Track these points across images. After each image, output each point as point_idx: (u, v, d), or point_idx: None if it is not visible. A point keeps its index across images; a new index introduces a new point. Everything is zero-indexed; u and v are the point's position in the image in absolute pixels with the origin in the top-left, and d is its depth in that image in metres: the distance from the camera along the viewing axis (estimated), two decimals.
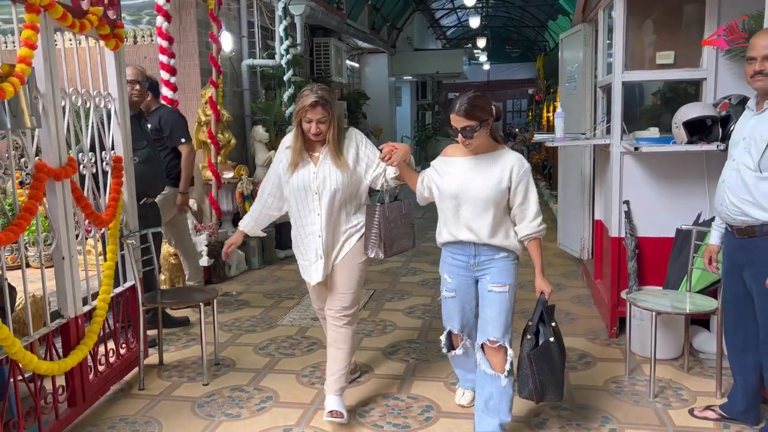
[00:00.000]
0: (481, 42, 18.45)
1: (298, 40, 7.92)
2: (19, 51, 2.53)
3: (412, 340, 4.02)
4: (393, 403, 3.09)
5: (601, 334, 4.03)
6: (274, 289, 5.34)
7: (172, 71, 5.30)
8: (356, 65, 12.57)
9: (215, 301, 3.53)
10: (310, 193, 2.81)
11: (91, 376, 3.03)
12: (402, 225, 2.89)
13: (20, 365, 2.50)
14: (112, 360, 3.27)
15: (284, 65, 7.03)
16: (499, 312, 2.57)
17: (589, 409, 2.98)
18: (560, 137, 3.99)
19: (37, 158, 2.69)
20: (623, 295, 3.64)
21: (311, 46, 9.31)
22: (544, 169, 11.95)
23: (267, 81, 7.23)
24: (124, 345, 3.41)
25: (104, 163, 3.26)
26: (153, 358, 3.67)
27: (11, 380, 2.52)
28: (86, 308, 3.01)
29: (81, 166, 3.04)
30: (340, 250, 2.90)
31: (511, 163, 2.51)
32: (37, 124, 2.68)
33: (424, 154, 17.82)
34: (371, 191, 2.95)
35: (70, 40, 3.17)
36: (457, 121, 2.45)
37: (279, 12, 7.07)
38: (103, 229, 3.25)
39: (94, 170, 3.18)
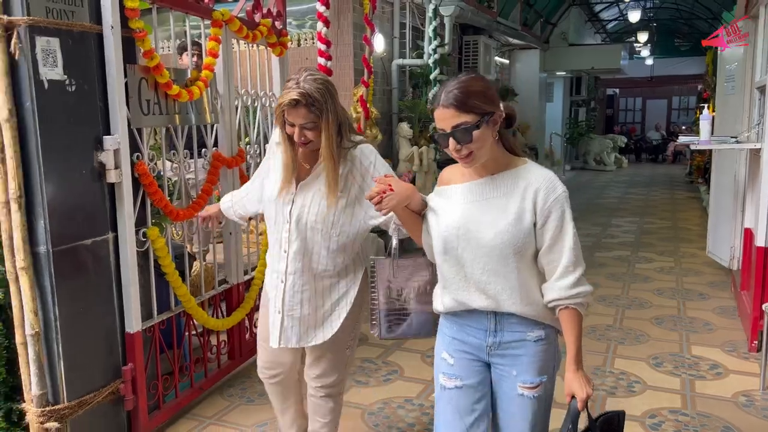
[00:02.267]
0: (643, 36, 17.43)
1: (446, 40, 8.18)
2: (205, 59, 3.06)
3: None
4: None
5: (740, 346, 3.84)
6: None
7: (328, 72, 5.80)
8: (506, 61, 12.56)
9: None
10: (280, 218, 2.08)
11: (247, 336, 3.55)
12: (414, 296, 1.93)
13: (194, 319, 3.05)
14: None
15: (431, 64, 7.33)
16: (532, 426, 1.67)
17: (710, 417, 2.93)
18: (705, 140, 3.86)
19: (214, 149, 3.23)
20: (764, 307, 3.46)
21: (460, 44, 9.53)
22: (706, 172, 11.13)
23: (415, 80, 7.58)
24: None
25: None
26: None
27: (186, 332, 3.08)
28: (246, 278, 3.53)
29: (248, 156, 3.55)
30: (319, 327, 2.11)
31: (535, 185, 1.59)
32: (216, 120, 3.22)
33: (575, 152, 17.30)
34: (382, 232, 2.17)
35: (243, 46, 3.70)
36: (444, 117, 1.55)
37: (429, 13, 7.37)
38: None
39: (259, 159, 3.70)
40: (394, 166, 6.94)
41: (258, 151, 3.65)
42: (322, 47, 5.81)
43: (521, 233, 1.58)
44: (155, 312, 2.80)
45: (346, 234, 2.05)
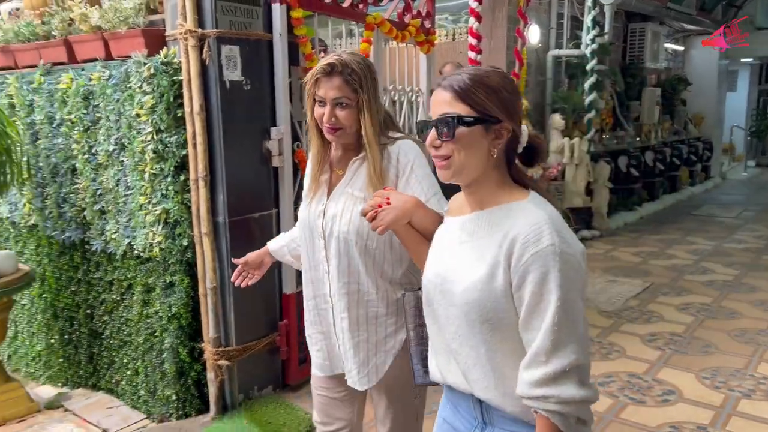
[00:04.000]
0: None
1: (606, 29, 7.92)
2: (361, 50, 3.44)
3: (674, 333, 4.02)
4: (635, 381, 3.29)
5: None
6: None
7: (478, 64, 6.00)
8: (680, 48, 11.73)
9: None
10: (315, 234, 1.74)
11: None
12: None
13: None
14: None
15: (588, 54, 7.18)
16: None
17: None
18: None
19: None
20: None
21: (625, 33, 9.13)
22: None
23: (571, 70, 7.48)
24: None
25: None
26: None
27: None
28: None
29: None
30: (371, 363, 1.73)
31: (515, 231, 1.16)
32: None
33: (761, 147, 15.61)
34: None
35: (393, 44, 4.05)
36: (436, 101, 1.24)
37: (588, 2, 7.22)
38: None
39: None
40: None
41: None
42: (473, 41, 6.03)
43: (491, 295, 1.15)
44: None
45: (381, 251, 1.66)
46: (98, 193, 3.04)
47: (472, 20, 5.96)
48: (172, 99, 2.71)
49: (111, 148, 2.91)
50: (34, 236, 3.44)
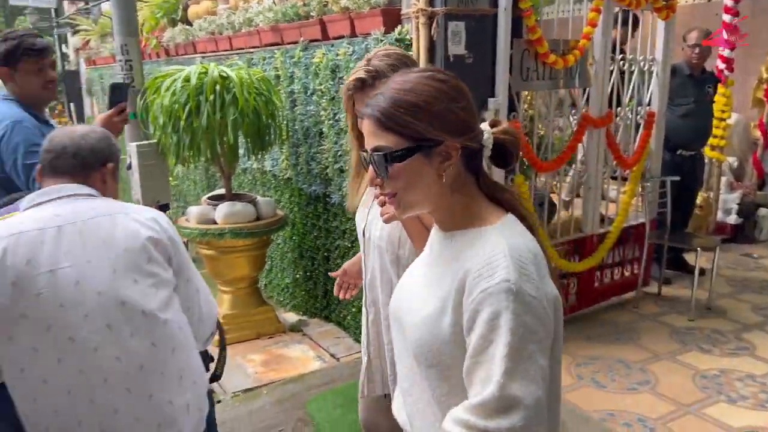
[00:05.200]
0: None
1: None
2: (584, 29, 3.41)
3: None
4: None
5: None
6: None
7: (733, 30, 5.36)
8: None
9: (717, 249, 3.83)
10: (361, 238, 1.69)
11: (595, 284, 3.88)
12: None
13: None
14: (616, 278, 4.04)
15: None
16: None
17: None
18: None
19: (583, 110, 3.59)
20: None
21: None
22: None
23: None
24: (629, 269, 4.12)
25: (638, 116, 3.93)
26: (652, 288, 4.25)
27: None
28: (602, 230, 3.83)
29: (617, 118, 3.79)
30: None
31: (469, 264, 0.98)
32: (589, 83, 3.56)
33: None
34: None
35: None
36: (365, 131, 1.04)
37: None
38: (627, 171, 3.97)
39: (628, 122, 3.89)
40: None
41: (629, 115, 3.84)
42: (729, 2, 5.40)
43: (439, 337, 0.99)
44: None
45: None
46: (338, 154, 3.53)
47: None
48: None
49: None
50: (289, 187, 4.11)
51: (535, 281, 0.94)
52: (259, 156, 3.84)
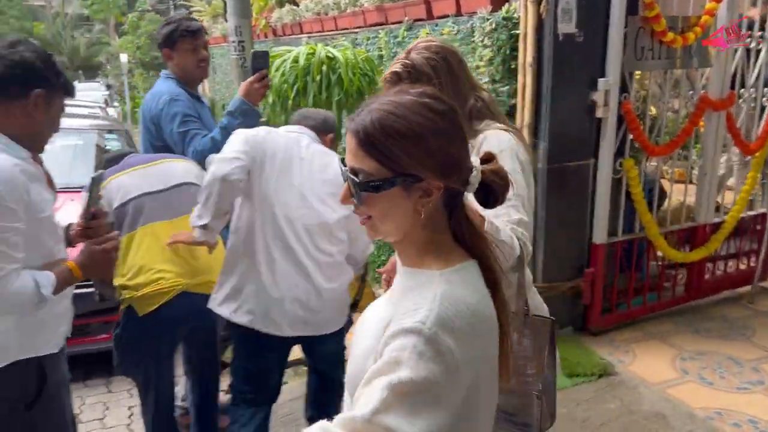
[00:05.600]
0: None
1: None
2: (708, 4, 3.19)
3: None
4: None
5: None
6: None
7: None
8: None
9: None
10: None
11: (706, 275, 3.67)
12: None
13: (654, 247, 3.39)
14: (730, 270, 3.80)
15: None
16: None
17: None
18: None
19: (702, 91, 3.37)
20: None
21: None
22: None
23: None
24: (744, 262, 3.86)
25: (764, 99, 3.64)
26: None
27: (646, 257, 3.46)
28: (716, 220, 3.61)
29: (740, 100, 3.53)
30: None
31: (397, 309, 0.92)
32: (709, 63, 3.34)
33: None
34: None
35: None
36: (347, 148, 0.95)
37: None
38: (749, 157, 3.69)
39: (753, 104, 3.61)
40: None
41: (754, 96, 3.56)
42: None
43: (360, 377, 0.89)
44: (620, 231, 3.28)
45: None
46: None
47: None
48: (507, 52, 2.97)
49: None
50: None
51: (458, 336, 0.84)
52: None
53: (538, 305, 1.55)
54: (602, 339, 3.26)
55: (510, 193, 1.21)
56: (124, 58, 15.55)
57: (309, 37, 5.13)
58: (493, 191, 0.96)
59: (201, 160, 2.34)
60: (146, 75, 15.39)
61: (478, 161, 0.96)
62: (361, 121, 0.91)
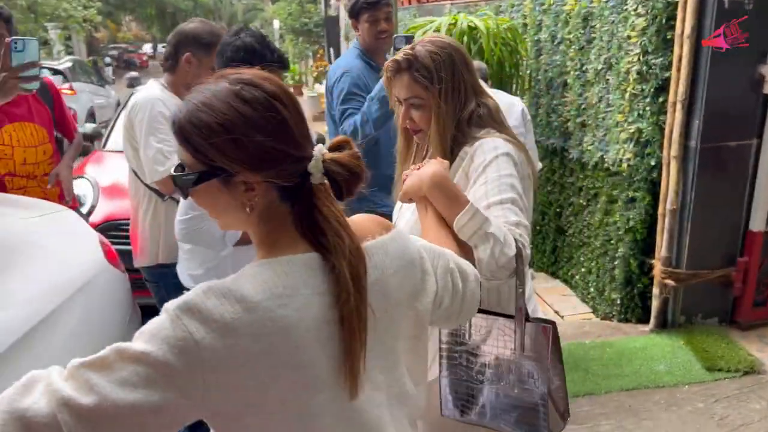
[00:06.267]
0: None
1: None
2: None
3: None
4: None
5: None
6: None
7: None
8: None
9: None
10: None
11: None
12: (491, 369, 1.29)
13: None
14: None
15: None
16: None
17: None
18: None
19: None
20: None
21: None
22: None
23: None
24: None
25: None
26: None
27: None
28: None
29: None
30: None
31: None
32: None
33: None
34: None
35: None
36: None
37: None
38: None
39: None
40: None
41: None
42: None
43: None
44: None
45: None
46: (582, 107, 3.39)
47: None
48: (663, 21, 2.76)
49: (599, 66, 3.18)
50: None
51: (206, 322, 0.77)
52: None
53: (535, 310, 1.49)
54: (751, 334, 3.02)
55: (501, 197, 1.25)
56: (276, 24, 16.36)
57: (452, 4, 5.09)
58: (336, 182, 0.88)
59: None
60: (295, 41, 16.06)
61: (323, 149, 0.88)
62: (177, 112, 0.87)
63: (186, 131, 0.84)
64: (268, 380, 0.80)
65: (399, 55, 1.39)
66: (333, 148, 0.90)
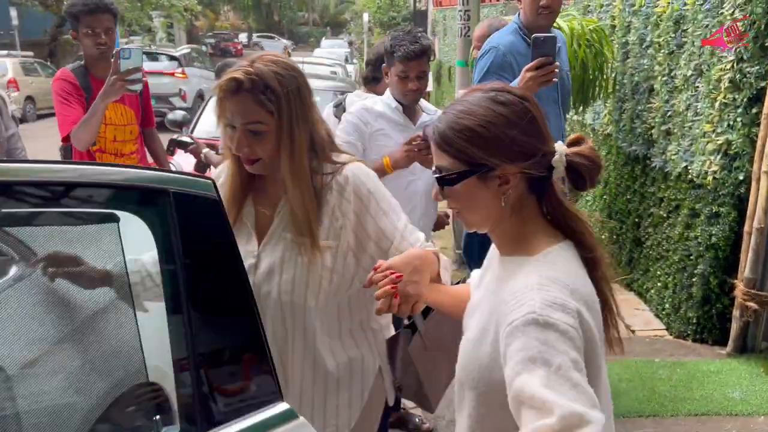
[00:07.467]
0: None
1: None
2: None
3: None
4: None
5: None
6: None
7: None
8: None
9: None
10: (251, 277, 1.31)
11: None
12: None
13: None
14: None
15: None
16: None
17: None
18: None
19: None
20: None
21: None
22: None
23: None
24: None
25: None
26: None
27: None
28: None
29: None
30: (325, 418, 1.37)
31: (501, 297, 0.96)
32: None
33: None
34: None
35: None
36: (432, 150, 1.03)
37: None
38: None
39: None
40: None
41: None
42: None
43: (477, 362, 0.99)
44: None
45: (347, 288, 1.34)
46: (668, 114, 3.23)
47: None
48: (762, 27, 2.59)
49: (689, 73, 3.02)
50: (607, 144, 3.94)
51: (567, 309, 0.88)
52: (580, 108, 3.74)
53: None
54: None
55: (401, 224, 1.32)
56: (366, 16, 16.54)
57: None
58: (581, 174, 0.97)
59: None
60: (382, 34, 16.17)
61: (564, 145, 0.98)
62: (436, 125, 1.00)
63: (447, 138, 0.97)
64: (589, 349, 0.91)
65: (238, 73, 1.20)
66: (571, 144, 1.00)
